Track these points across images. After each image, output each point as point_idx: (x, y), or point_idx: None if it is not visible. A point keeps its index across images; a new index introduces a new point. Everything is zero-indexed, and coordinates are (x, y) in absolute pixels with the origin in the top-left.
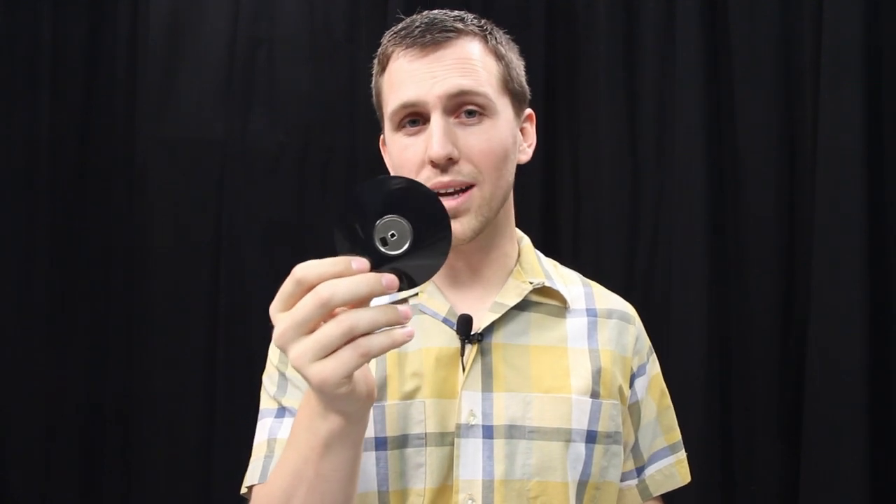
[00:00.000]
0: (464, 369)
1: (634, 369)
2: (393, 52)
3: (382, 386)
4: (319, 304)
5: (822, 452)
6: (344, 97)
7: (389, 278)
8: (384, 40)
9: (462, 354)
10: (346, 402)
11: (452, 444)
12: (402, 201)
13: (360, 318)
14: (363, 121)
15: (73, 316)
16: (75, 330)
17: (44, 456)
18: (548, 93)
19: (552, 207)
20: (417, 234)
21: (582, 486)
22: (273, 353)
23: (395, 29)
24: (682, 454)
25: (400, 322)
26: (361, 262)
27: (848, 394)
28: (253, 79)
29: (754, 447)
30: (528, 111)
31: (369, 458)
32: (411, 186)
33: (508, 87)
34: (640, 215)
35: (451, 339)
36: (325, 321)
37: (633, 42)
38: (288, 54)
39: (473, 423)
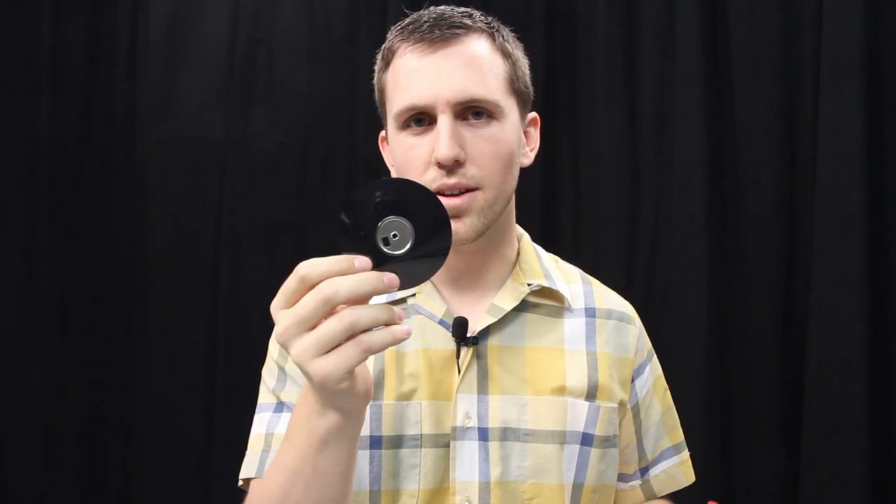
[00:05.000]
0: (459, 372)
1: (635, 370)
2: (399, 47)
3: (379, 384)
4: (322, 300)
5: (822, 452)
6: (344, 97)
7: (390, 277)
8: (389, 35)
9: (458, 357)
10: (346, 398)
11: (448, 447)
12: (406, 203)
13: (361, 314)
14: (363, 121)
15: (74, 315)
16: (75, 330)
17: (44, 456)
18: (548, 93)
19: (552, 207)
20: (419, 235)
21: (578, 488)
22: (273, 347)
23: (401, 24)
24: (686, 454)
25: (396, 322)
26: (364, 261)
27: (848, 394)
28: (253, 79)
29: (754, 447)
30: (533, 115)
31: (363, 457)
32: (415, 189)
33: (514, 87)
34: (640, 215)
35: (448, 340)
36: (326, 318)
37: (633, 42)
38: (288, 54)
39: (469, 425)
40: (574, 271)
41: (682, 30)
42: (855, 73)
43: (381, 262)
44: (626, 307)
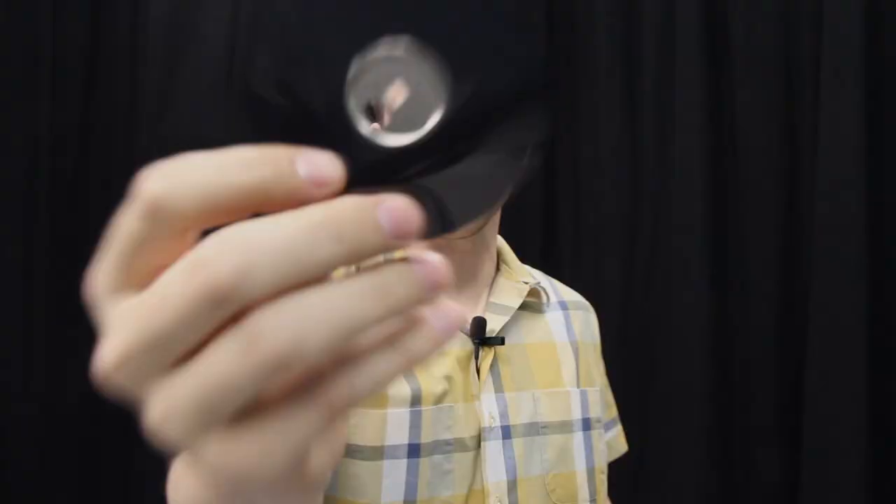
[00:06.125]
0: (478, 372)
1: (598, 356)
2: None
3: (418, 391)
4: (210, 290)
5: (822, 452)
6: None
7: (395, 208)
8: None
9: (476, 357)
10: (283, 498)
11: (477, 449)
12: (426, 25)
13: (319, 327)
14: None
15: (74, 316)
16: (76, 330)
17: (44, 456)
18: None
19: (552, 207)
20: (456, 95)
21: (591, 472)
22: None
23: None
24: (620, 426)
25: (428, 296)
26: (322, 165)
27: (848, 394)
28: None
29: (754, 447)
30: None
31: (400, 466)
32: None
33: None
34: (640, 215)
35: (462, 341)
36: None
37: (633, 42)
38: None
39: (494, 424)
40: (530, 268)
41: (682, 30)
42: (855, 73)
43: (365, 170)
44: (582, 297)
